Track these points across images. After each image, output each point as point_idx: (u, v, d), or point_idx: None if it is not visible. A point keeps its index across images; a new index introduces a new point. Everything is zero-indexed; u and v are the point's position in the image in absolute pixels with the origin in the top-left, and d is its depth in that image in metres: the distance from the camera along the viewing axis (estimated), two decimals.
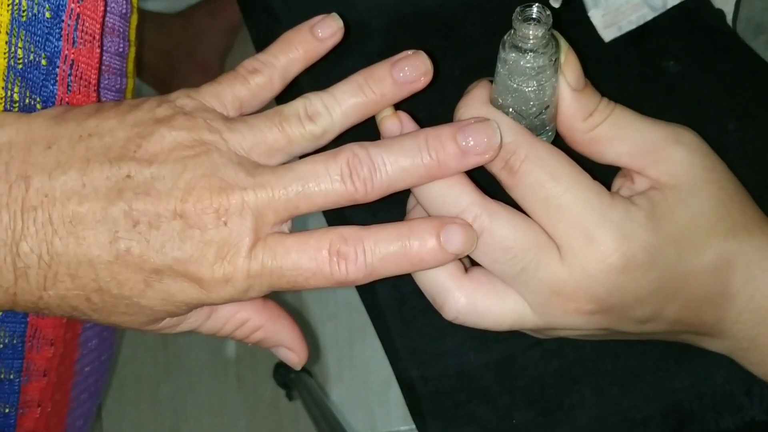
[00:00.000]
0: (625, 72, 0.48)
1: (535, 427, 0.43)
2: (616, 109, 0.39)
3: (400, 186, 0.37)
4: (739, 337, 0.40)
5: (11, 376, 0.48)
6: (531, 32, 0.37)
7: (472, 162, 0.37)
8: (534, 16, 0.37)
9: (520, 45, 0.37)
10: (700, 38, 0.49)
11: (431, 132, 0.37)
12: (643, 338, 0.42)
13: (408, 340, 0.44)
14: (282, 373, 1.22)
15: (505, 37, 0.38)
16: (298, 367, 0.42)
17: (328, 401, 1.16)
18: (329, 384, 1.29)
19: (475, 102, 0.39)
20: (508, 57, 0.38)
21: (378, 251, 0.37)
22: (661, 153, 0.39)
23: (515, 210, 0.38)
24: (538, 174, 0.37)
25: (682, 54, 0.49)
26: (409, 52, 0.40)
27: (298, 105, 0.39)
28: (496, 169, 0.38)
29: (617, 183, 0.41)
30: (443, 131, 0.37)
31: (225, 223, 0.36)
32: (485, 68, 0.48)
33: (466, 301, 0.38)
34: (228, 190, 0.36)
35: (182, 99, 0.38)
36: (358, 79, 0.39)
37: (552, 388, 0.43)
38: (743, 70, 0.49)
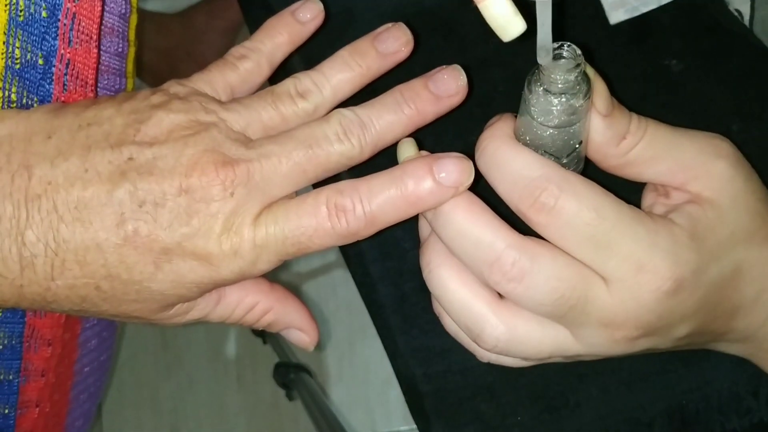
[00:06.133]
0: (626, 71, 0.47)
1: (540, 424, 0.43)
2: (649, 128, 0.37)
3: (388, 139, 0.39)
4: (761, 339, 0.40)
5: (10, 377, 0.48)
6: (562, 76, 0.34)
7: (446, 105, 0.39)
8: (565, 56, 0.34)
9: (550, 89, 0.34)
10: (702, 37, 0.49)
11: (405, 86, 0.39)
12: (669, 350, 0.40)
13: (410, 337, 0.44)
14: (282, 373, 1.22)
15: (530, 75, 0.35)
16: (310, 348, 0.42)
17: (328, 401, 1.16)
18: (329, 384, 1.29)
19: (499, 136, 0.37)
20: (536, 99, 0.35)
21: (374, 198, 0.37)
22: (701, 168, 0.37)
23: (551, 245, 0.36)
24: (580, 211, 0.35)
25: (685, 53, 0.48)
26: (389, 24, 0.41)
27: (288, 84, 0.40)
28: (524, 207, 0.35)
29: (649, 198, 0.40)
30: (415, 83, 0.39)
31: (232, 195, 0.36)
32: (484, 68, 0.48)
33: (505, 328, 0.37)
34: (233, 163, 0.36)
35: (175, 87, 0.39)
36: (343, 54, 0.41)
37: (557, 386, 0.43)
38: (746, 69, 0.48)
